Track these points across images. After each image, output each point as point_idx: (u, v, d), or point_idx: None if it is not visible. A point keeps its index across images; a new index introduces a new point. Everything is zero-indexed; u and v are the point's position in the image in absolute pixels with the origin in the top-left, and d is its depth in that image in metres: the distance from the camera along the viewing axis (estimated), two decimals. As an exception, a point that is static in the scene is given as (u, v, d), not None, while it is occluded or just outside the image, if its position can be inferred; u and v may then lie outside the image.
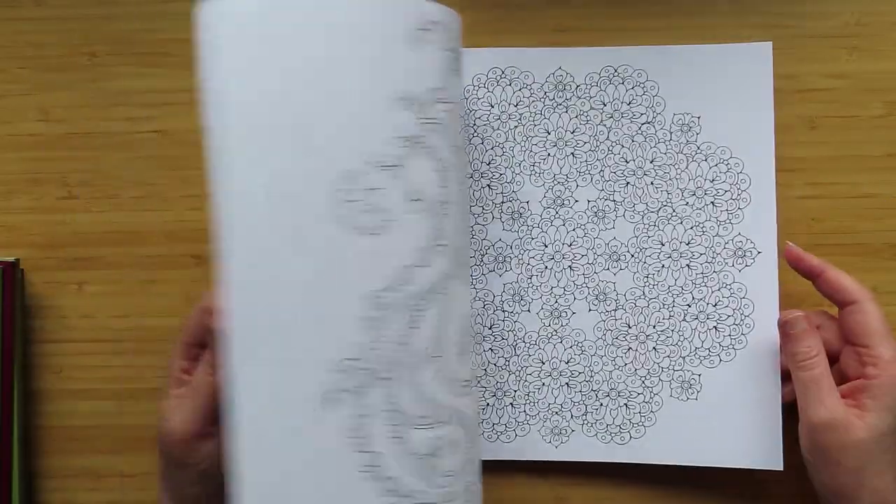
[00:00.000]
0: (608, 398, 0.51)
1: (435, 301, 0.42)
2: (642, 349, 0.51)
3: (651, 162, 0.52)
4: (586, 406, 0.51)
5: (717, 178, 0.51)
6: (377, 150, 0.41)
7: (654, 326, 0.51)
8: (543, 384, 0.52)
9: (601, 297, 0.52)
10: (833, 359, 0.48)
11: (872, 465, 0.44)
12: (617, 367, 0.51)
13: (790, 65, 0.52)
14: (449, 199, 0.43)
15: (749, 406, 0.49)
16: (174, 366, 0.47)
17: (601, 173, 0.52)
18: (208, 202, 0.41)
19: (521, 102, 0.52)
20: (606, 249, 0.52)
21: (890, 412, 0.45)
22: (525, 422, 0.52)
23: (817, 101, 0.53)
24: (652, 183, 0.52)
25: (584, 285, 0.52)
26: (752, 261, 0.50)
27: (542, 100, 0.52)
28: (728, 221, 0.51)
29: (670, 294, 0.51)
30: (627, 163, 0.52)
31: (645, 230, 0.52)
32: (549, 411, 0.52)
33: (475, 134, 0.52)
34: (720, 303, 0.51)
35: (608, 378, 0.51)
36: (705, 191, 0.51)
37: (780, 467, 0.49)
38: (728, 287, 0.51)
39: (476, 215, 0.52)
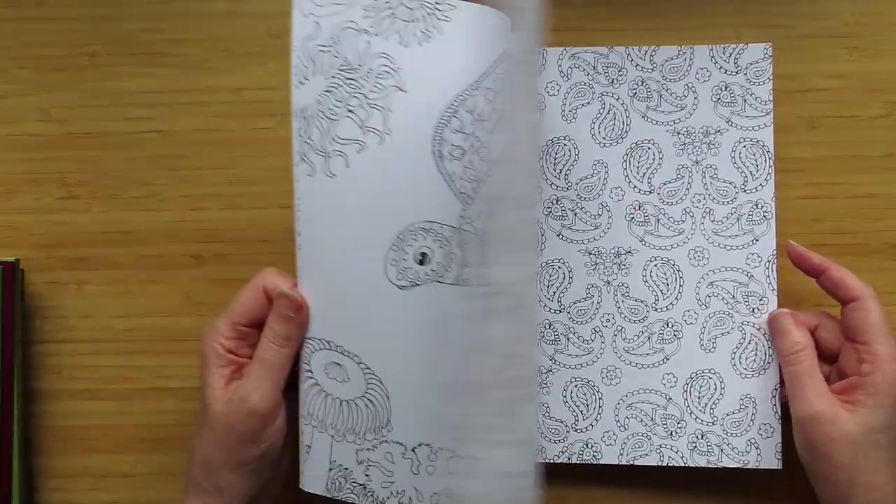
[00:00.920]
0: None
1: None
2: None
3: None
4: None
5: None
6: None
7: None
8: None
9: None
10: (833, 358, 0.49)
11: (865, 461, 0.44)
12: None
13: (790, 65, 0.53)
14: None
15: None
16: (216, 346, 0.46)
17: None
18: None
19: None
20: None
21: (882, 409, 0.45)
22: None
23: (817, 101, 0.53)
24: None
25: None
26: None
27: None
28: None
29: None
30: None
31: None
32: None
33: None
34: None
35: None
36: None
37: (779, 466, 0.49)
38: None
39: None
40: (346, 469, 0.45)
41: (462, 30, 0.44)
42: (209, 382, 0.46)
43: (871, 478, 0.44)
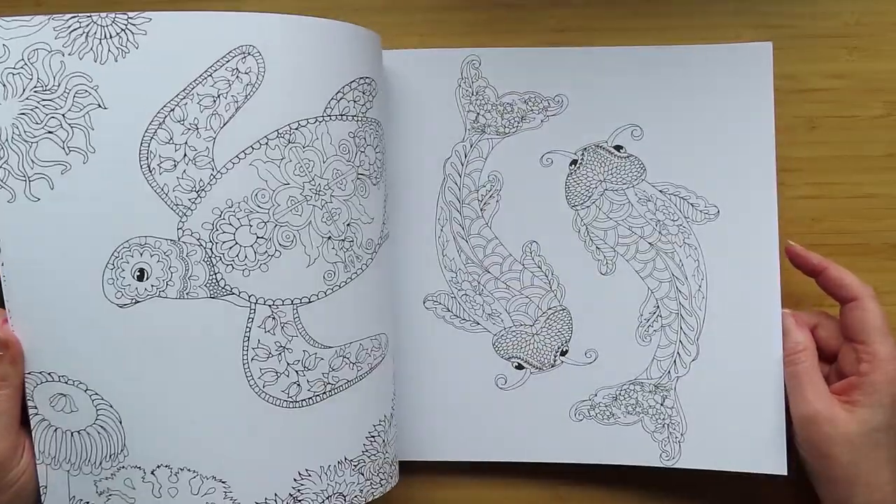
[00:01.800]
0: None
1: None
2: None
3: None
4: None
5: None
6: None
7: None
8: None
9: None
10: (832, 357, 0.49)
11: (866, 460, 0.45)
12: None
13: (790, 65, 0.53)
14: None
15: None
16: None
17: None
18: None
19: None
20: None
21: (881, 408, 0.45)
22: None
23: (817, 101, 0.53)
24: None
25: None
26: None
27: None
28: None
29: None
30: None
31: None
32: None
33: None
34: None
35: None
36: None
37: (784, 472, 0.49)
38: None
39: None
40: (87, 503, 0.44)
41: (161, 41, 0.43)
42: None
43: (871, 477, 0.44)
